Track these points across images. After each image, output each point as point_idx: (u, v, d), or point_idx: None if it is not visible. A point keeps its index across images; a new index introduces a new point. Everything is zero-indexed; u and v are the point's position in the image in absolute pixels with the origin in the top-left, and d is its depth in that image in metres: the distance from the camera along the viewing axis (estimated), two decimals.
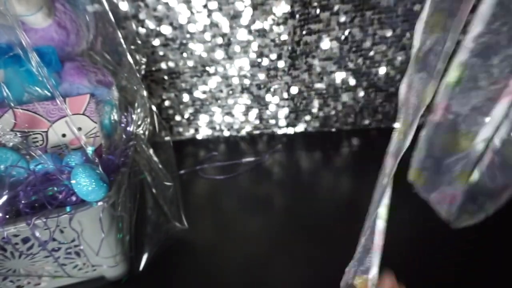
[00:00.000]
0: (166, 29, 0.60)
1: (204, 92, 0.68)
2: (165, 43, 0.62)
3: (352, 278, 0.30)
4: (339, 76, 0.66)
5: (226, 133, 0.73)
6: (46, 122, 0.38)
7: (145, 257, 0.43)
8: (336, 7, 0.59)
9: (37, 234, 0.33)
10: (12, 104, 0.36)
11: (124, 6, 0.57)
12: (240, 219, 0.51)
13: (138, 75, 0.48)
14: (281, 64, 0.65)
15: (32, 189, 0.33)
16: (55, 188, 0.34)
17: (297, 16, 0.60)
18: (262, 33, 0.62)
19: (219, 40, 0.62)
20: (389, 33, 0.62)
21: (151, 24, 0.60)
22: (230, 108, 0.70)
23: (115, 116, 0.42)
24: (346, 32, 0.61)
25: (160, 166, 0.47)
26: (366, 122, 0.72)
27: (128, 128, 0.43)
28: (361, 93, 0.68)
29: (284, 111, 0.70)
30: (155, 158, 0.47)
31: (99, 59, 0.47)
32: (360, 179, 0.56)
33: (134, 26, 0.59)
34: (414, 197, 0.47)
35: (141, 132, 0.46)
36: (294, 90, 0.68)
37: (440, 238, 0.43)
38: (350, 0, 0.58)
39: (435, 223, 0.44)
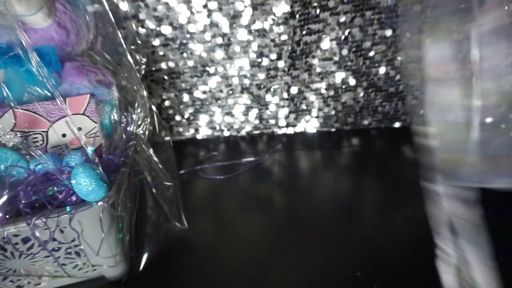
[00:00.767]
0: (166, 29, 0.60)
1: (204, 92, 0.68)
2: (165, 43, 0.62)
3: None
4: (339, 76, 0.66)
5: (226, 133, 0.73)
6: (46, 122, 0.38)
7: (145, 257, 0.43)
8: (332, 5, 0.59)
9: (37, 234, 0.33)
10: (12, 104, 0.36)
11: (124, 6, 0.57)
12: (240, 219, 0.51)
13: (138, 75, 0.48)
14: (281, 64, 0.65)
15: (32, 189, 0.33)
16: (55, 188, 0.34)
17: (297, 16, 0.60)
18: (262, 33, 0.62)
19: (219, 40, 0.62)
20: (389, 33, 0.62)
21: (151, 24, 0.60)
22: (230, 108, 0.70)
23: (115, 116, 0.42)
24: (346, 32, 0.61)
25: (160, 166, 0.47)
26: (366, 122, 0.72)
27: (128, 128, 0.43)
28: (361, 93, 0.68)
29: (284, 111, 0.70)
30: (155, 158, 0.47)
31: (99, 59, 0.47)
32: (360, 179, 0.56)
33: (134, 26, 0.59)
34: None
35: (141, 132, 0.46)
36: (294, 90, 0.68)
37: None
38: (350, 0, 0.58)
39: None
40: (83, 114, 0.39)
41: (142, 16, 0.59)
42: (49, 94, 0.38)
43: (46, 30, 0.39)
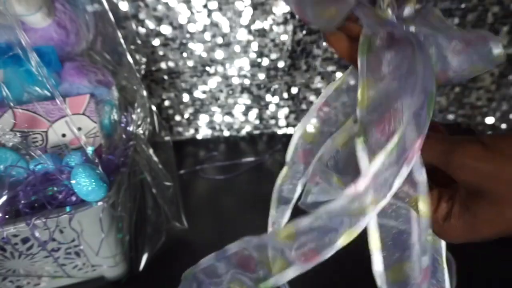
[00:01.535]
0: (166, 29, 0.60)
1: (204, 92, 0.68)
2: (165, 43, 0.62)
3: None
4: (339, 76, 0.66)
5: (226, 133, 0.73)
6: (46, 122, 0.38)
7: (145, 257, 0.43)
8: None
9: (37, 234, 0.33)
10: (12, 104, 0.36)
11: (124, 6, 0.57)
12: (240, 219, 0.51)
13: (138, 75, 0.48)
14: (281, 64, 0.65)
15: (32, 189, 0.33)
16: (55, 188, 0.34)
17: (297, 16, 0.60)
18: (262, 33, 0.61)
19: (219, 40, 0.62)
20: None
21: (151, 24, 0.60)
22: (230, 108, 0.70)
23: (115, 116, 0.42)
24: None
25: (160, 166, 0.47)
26: None
27: (128, 128, 0.43)
28: None
29: (284, 111, 0.70)
30: (155, 158, 0.47)
31: (99, 59, 0.47)
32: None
33: (134, 26, 0.59)
34: None
35: (141, 132, 0.46)
36: (294, 90, 0.68)
37: None
38: None
39: None
40: (83, 114, 0.39)
41: (141, 16, 0.59)
42: (48, 94, 0.38)
43: (46, 30, 0.39)
